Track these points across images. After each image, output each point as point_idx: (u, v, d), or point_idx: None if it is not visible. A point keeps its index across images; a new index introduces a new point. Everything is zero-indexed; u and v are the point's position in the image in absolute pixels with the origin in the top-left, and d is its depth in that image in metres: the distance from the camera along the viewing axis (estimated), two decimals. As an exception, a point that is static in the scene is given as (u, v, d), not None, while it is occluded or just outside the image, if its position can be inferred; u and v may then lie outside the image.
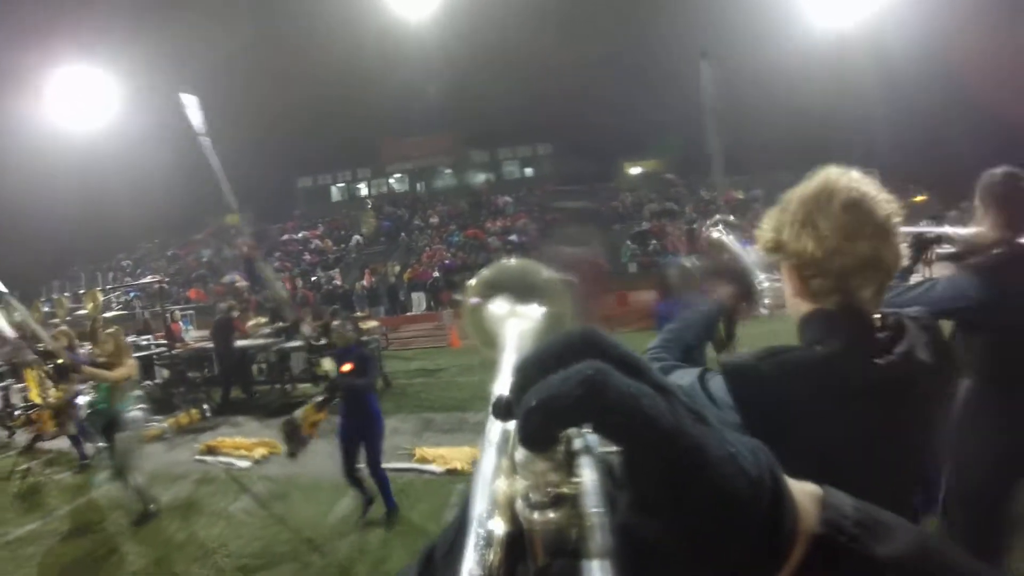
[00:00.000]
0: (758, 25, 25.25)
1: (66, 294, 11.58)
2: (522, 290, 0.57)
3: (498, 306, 0.56)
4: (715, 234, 2.29)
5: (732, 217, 2.62)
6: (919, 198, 25.64)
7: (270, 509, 5.18)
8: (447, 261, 22.96)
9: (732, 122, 26.23)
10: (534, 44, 28.16)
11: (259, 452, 6.24)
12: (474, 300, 0.58)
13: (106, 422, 5.10)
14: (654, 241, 25.31)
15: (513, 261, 0.62)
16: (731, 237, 2.27)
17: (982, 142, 21.75)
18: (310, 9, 26.66)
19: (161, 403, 9.55)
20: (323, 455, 6.54)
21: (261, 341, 9.65)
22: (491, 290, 0.58)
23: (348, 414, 4.68)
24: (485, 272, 0.60)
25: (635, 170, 33.50)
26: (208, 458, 6.52)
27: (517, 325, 0.52)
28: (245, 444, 6.56)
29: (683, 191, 29.86)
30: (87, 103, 25.75)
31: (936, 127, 23.11)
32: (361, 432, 4.67)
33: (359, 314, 12.32)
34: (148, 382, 10.43)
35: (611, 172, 32.47)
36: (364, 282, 18.31)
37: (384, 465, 5.42)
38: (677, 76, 27.36)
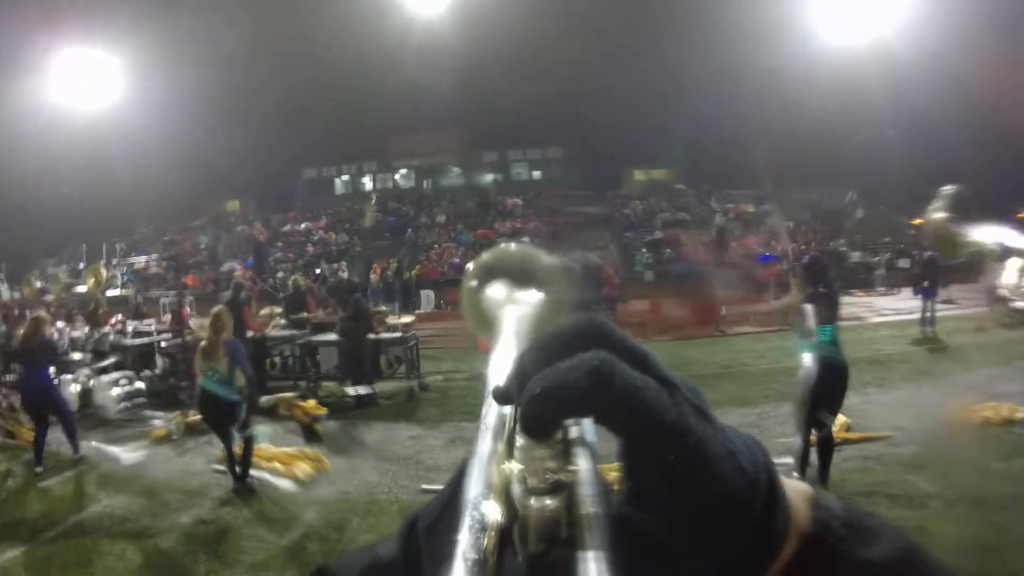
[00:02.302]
0: (769, 41, 24.88)
1: (63, 267, 10.40)
2: (521, 275, 0.54)
3: (496, 290, 0.54)
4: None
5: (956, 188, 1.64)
6: (917, 221, 25.20)
7: (327, 541, 4.04)
8: (457, 259, 22.05)
9: (741, 137, 25.81)
10: (547, 46, 27.67)
11: (301, 468, 5.07)
12: (472, 283, 0.56)
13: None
14: (668, 250, 24.77)
15: (514, 246, 0.59)
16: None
17: (995, 162, 21.43)
18: (325, 6, 25.84)
19: (164, 397, 8.45)
20: (369, 468, 5.49)
21: (284, 332, 8.53)
22: (490, 274, 0.55)
23: None
24: (485, 256, 0.58)
25: (644, 177, 33.09)
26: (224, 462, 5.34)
27: (515, 310, 0.50)
28: (278, 455, 5.38)
29: (692, 201, 29.38)
30: (91, 84, 25.05)
31: (948, 146, 22.81)
32: None
33: (383, 308, 11.25)
34: (147, 372, 9.34)
35: (620, 179, 32.13)
36: (375, 276, 17.23)
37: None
38: (689, 87, 26.90)
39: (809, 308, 4.47)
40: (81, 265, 10.13)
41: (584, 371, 0.28)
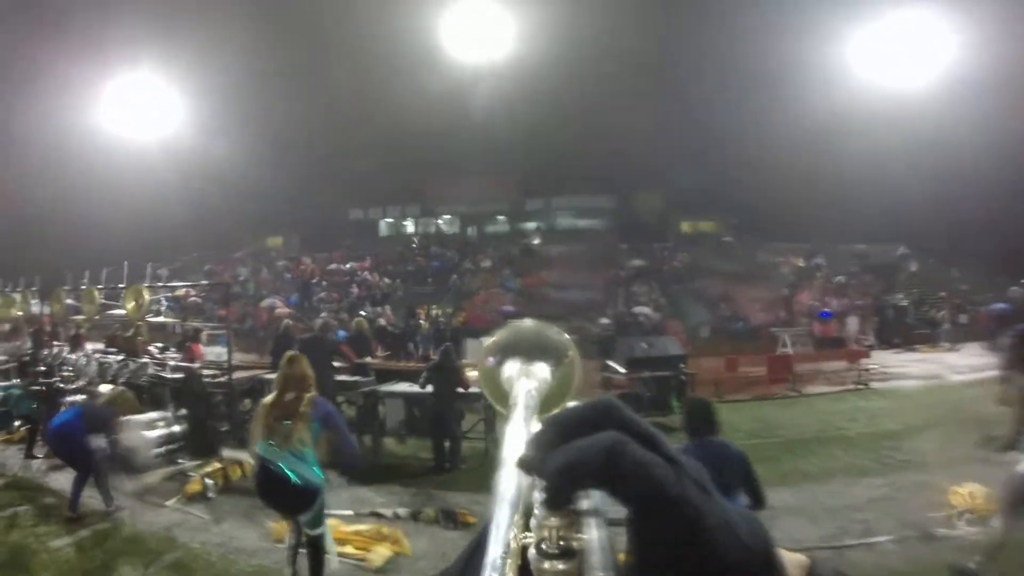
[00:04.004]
0: (816, 91, 24.30)
1: (99, 286, 9.49)
2: (533, 351, 0.55)
3: (509, 367, 0.54)
4: None
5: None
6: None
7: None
8: (508, 307, 20.98)
9: (787, 188, 24.84)
10: (595, 98, 27.56)
11: (381, 553, 3.87)
12: (489, 361, 0.56)
13: None
14: (723, 304, 23.58)
15: (527, 322, 0.59)
16: None
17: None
18: (374, 49, 26.20)
19: (195, 444, 7.29)
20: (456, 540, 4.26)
21: (342, 378, 7.41)
22: (504, 352, 0.56)
23: None
24: (499, 335, 0.58)
25: (691, 228, 32.38)
26: (286, 544, 4.11)
27: (527, 384, 0.51)
28: (350, 536, 4.12)
29: (742, 254, 28.22)
30: (143, 112, 25.88)
31: (996, 200, 21.65)
32: None
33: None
34: (184, 411, 8.29)
35: (667, 230, 31.45)
36: (424, 322, 16.21)
37: None
38: (738, 138, 26.20)
39: None
40: (121, 285, 9.17)
41: (599, 449, 0.32)
